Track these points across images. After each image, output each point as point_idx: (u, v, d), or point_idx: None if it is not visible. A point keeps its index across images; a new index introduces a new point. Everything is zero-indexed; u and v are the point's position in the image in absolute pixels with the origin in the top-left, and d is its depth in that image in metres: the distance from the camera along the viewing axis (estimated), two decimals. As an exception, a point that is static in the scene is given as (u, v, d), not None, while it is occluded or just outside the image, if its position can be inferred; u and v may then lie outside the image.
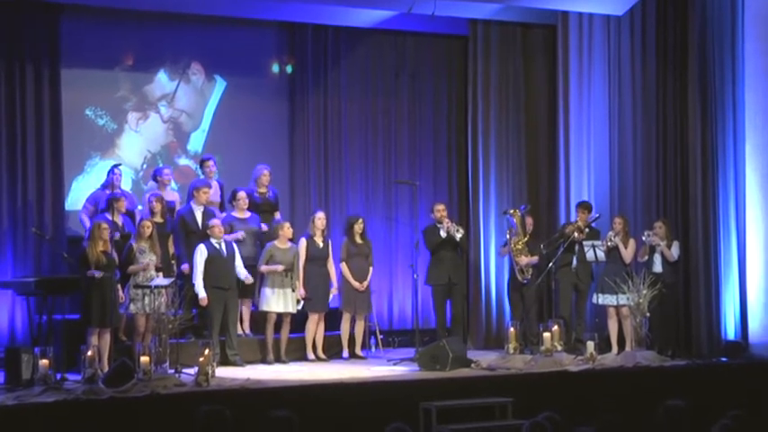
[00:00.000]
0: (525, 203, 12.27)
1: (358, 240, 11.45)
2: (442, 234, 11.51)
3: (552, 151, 12.97)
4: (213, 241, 10.61)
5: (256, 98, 12.67)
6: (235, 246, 10.82)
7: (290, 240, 11.17)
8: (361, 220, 11.47)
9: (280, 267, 10.89)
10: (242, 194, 11.19)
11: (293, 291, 10.98)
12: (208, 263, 10.54)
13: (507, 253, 11.87)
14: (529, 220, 11.97)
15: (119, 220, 10.53)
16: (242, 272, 10.76)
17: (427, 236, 11.66)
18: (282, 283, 10.95)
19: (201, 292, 10.47)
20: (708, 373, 10.61)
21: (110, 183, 10.91)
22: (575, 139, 12.63)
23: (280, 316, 11.01)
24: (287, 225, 11.12)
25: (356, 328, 11.47)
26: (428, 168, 13.31)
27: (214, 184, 11.52)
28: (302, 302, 11.07)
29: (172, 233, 10.90)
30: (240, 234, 11.00)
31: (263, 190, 11.63)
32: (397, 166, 13.18)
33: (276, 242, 11.04)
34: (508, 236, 11.81)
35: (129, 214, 10.90)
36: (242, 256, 10.86)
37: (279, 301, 10.94)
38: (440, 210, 11.63)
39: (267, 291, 10.95)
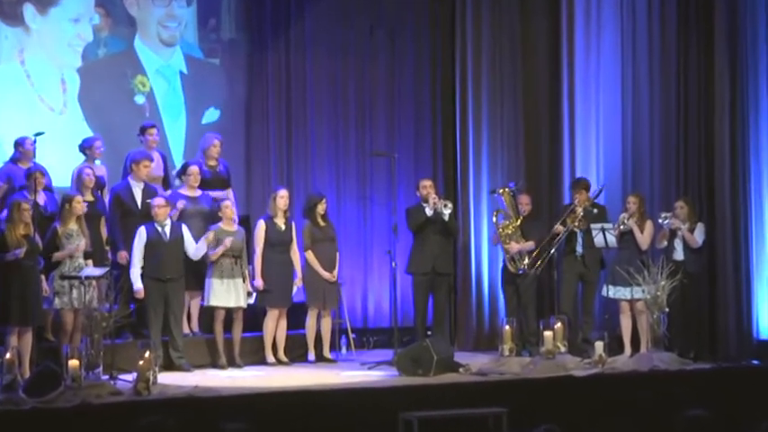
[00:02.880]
0: (516, 180, 12.25)
1: (321, 223, 11.44)
2: (428, 212, 11.48)
3: (554, 120, 12.95)
4: (156, 224, 10.58)
5: (206, 57, 12.64)
6: (184, 229, 10.79)
7: (239, 223, 11.20)
8: (324, 200, 11.47)
9: (228, 241, 10.78)
10: (194, 169, 11.19)
11: (244, 281, 10.94)
12: (147, 249, 10.55)
13: (498, 241, 11.85)
14: (524, 199, 11.90)
15: (40, 198, 10.41)
16: (194, 252, 10.70)
17: (410, 215, 11.63)
18: (231, 273, 10.91)
19: (137, 283, 10.49)
20: (737, 378, 10.59)
21: (21, 156, 10.80)
22: (581, 106, 12.63)
23: (230, 312, 10.97)
24: (228, 204, 11.06)
25: (323, 326, 11.44)
26: (408, 139, 13.28)
27: (155, 155, 11.45)
28: (254, 295, 11.07)
29: (104, 214, 10.84)
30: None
31: (212, 163, 11.58)
32: (373, 136, 13.14)
33: (221, 224, 11.00)
34: (495, 219, 11.80)
35: (51, 191, 10.83)
36: (190, 241, 10.86)
37: (229, 293, 10.89)
38: (426, 186, 11.61)
39: (214, 282, 10.88)
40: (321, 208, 11.41)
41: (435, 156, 13.37)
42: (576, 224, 11.47)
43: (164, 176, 11.56)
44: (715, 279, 11.66)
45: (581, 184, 11.75)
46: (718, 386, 10.27)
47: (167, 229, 10.63)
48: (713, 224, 11.65)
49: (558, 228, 11.57)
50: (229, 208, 11.04)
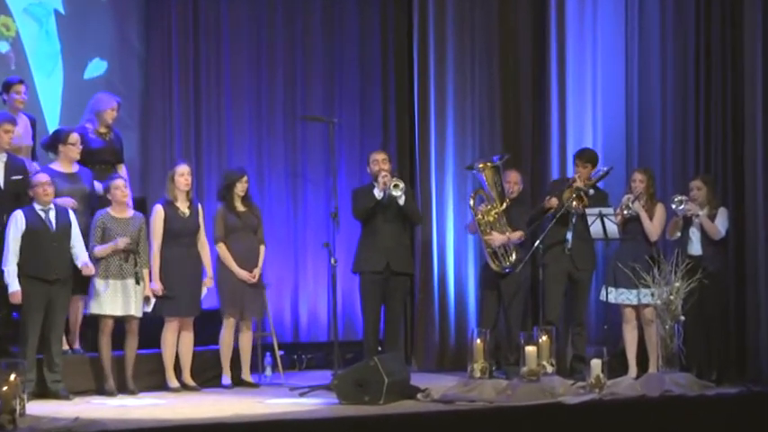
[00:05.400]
0: (501, 153, 12.27)
1: (239, 207, 11.46)
2: (377, 194, 11.48)
3: (540, 83, 13.17)
4: (37, 207, 10.49)
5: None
6: (72, 216, 10.70)
7: (134, 208, 11.18)
8: (245, 179, 11.51)
9: (121, 242, 10.79)
10: (76, 137, 11.12)
11: (138, 283, 10.86)
12: (26, 240, 10.42)
13: (476, 230, 11.90)
14: (513, 176, 11.98)
15: None
16: (81, 255, 10.64)
17: (356, 197, 11.68)
18: (120, 272, 10.87)
19: (14, 284, 10.41)
20: (769, 405, 10.77)
21: None
22: (573, 66, 12.85)
23: (120, 322, 10.89)
24: (120, 184, 10.98)
25: (242, 341, 11.48)
26: (353, 104, 13.43)
27: (21, 119, 11.33)
28: (153, 301, 11.03)
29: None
30: (70, 201, 10.86)
31: (103, 130, 11.55)
32: (306, 97, 13.24)
33: (110, 210, 10.96)
34: (472, 202, 11.84)
35: None
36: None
37: (116, 298, 10.85)
38: (378, 161, 11.67)
39: (98, 283, 10.84)
40: (241, 188, 11.45)
41: (387, 122, 13.47)
42: (574, 203, 11.47)
43: (33, 146, 11.47)
44: (743, 279, 11.67)
45: (586, 156, 11.84)
46: (747, 415, 10.34)
47: (52, 215, 10.53)
48: (740, 209, 11.67)
49: (553, 200, 11.62)
50: (120, 189, 10.97)
